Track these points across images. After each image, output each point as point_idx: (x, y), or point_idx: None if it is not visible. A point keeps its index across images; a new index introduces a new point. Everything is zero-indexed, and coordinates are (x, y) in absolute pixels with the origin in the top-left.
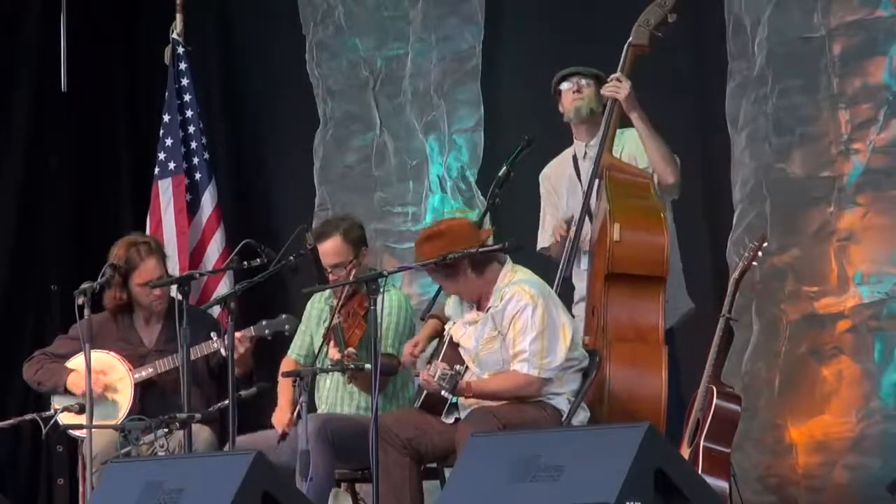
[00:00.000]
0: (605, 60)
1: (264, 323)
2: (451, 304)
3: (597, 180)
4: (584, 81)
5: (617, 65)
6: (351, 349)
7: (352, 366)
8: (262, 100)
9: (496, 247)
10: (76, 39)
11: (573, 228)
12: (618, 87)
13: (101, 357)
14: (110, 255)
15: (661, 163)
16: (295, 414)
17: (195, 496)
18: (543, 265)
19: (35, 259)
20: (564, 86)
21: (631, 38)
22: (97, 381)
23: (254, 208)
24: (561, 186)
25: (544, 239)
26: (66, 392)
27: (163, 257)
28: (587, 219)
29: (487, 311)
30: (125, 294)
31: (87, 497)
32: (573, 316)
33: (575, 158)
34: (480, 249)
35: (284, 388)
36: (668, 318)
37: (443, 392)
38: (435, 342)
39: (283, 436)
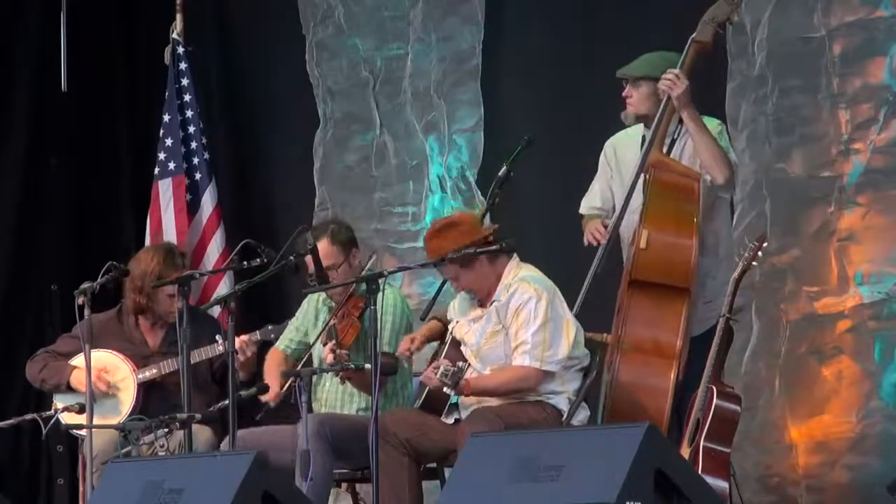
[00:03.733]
0: (605, 60)
1: (270, 328)
2: (454, 307)
3: (642, 175)
4: (636, 84)
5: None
6: (343, 350)
7: (353, 365)
8: (262, 100)
9: (494, 247)
10: (76, 39)
11: (611, 226)
12: (673, 84)
13: (105, 357)
14: (138, 261)
15: (711, 161)
16: (284, 389)
17: (195, 496)
18: (546, 265)
19: (35, 259)
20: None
21: (695, 34)
22: (101, 379)
23: (254, 208)
24: (627, 162)
25: (585, 205)
26: (70, 390)
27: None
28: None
29: (491, 304)
30: (147, 299)
31: (87, 497)
32: None
33: (644, 140)
34: (479, 250)
35: (271, 366)
36: (706, 323)
37: (445, 388)
38: (435, 344)
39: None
